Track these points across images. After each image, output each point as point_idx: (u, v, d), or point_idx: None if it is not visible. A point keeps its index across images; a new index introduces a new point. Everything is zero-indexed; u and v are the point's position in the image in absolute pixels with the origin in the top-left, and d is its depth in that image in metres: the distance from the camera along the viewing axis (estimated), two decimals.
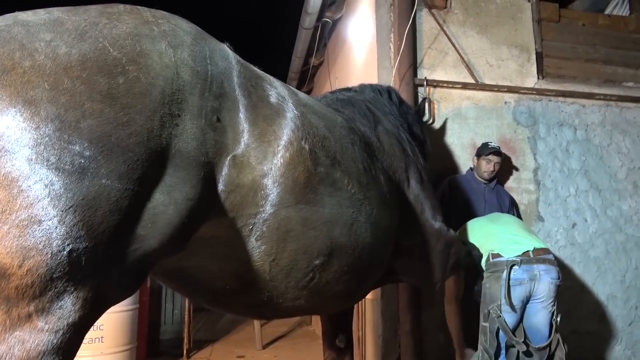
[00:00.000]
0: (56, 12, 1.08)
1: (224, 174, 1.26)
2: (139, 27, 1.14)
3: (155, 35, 1.15)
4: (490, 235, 2.66)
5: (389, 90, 2.78)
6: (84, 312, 0.98)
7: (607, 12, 4.74)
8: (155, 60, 1.11)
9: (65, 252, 0.92)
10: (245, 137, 1.32)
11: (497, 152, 3.46)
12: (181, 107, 1.14)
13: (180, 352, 4.77)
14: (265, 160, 1.36)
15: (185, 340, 4.80)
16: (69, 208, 0.92)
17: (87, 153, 0.95)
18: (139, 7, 1.23)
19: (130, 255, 1.05)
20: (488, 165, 3.45)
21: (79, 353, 1.02)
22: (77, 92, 0.96)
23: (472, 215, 3.19)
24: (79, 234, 0.93)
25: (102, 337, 3.76)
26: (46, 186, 0.91)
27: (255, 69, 1.55)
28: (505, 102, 3.97)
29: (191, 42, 1.24)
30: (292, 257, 1.48)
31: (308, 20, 4.96)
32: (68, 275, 0.93)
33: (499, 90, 3.94)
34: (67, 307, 0.95)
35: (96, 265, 0.98)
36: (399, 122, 2.50)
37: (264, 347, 5.16)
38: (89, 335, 3.65)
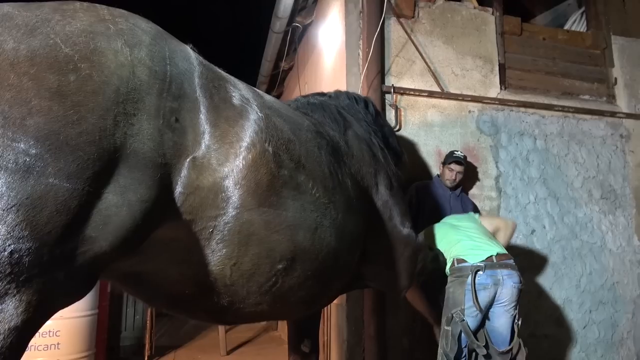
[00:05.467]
0: (6, 7, 1.04)
1: (182, 175, 1.24)
2: (94, 25, 1.11)
3: (111, 34, 1.13)
4: (455, 242, 2.70)
5: (365, 100, 2.74)
6: (28, 316, 0.94)
7: (566, 27, 4.95)
8: (109, 58, 1.09)
9: (5, 253, 0.89)
10: (206, 139, 1.30)
11: (458, 161, 3.51)
12: (137, 107, 1.12)
13: (141, 359, 4.65)
14: (226, 162, 1.34)
15: (147, 346, 4.69)
16: (11, 207, 0.89)
17: (33, 151, 0.92)
18: (97, 5, 1.20)
19: (79, 257, 1.02)
20: (450, 174, 3.51)
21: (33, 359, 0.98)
22: (24, 88, 0.94)
23: (438, 220, 3.24)
24: (22, 234, 0.90)
25: (58, 344, 3.62)
26: None
27: (219, 70, 1.54)
28: (470, 111, 4.07)
29: (150, 41, 1.22)
30: (254, 261, 1.47)
31: (278, 25, 4.97)
32: (9, 277, 0.90)
33: (463, 100, 4.04)
34: (9, 311, 0.91)
35: (41, 266, 0.95)
36: (372, 129, 2.48)
37: (229, 352, 5.09)
38: (44, 341, 3.56)
